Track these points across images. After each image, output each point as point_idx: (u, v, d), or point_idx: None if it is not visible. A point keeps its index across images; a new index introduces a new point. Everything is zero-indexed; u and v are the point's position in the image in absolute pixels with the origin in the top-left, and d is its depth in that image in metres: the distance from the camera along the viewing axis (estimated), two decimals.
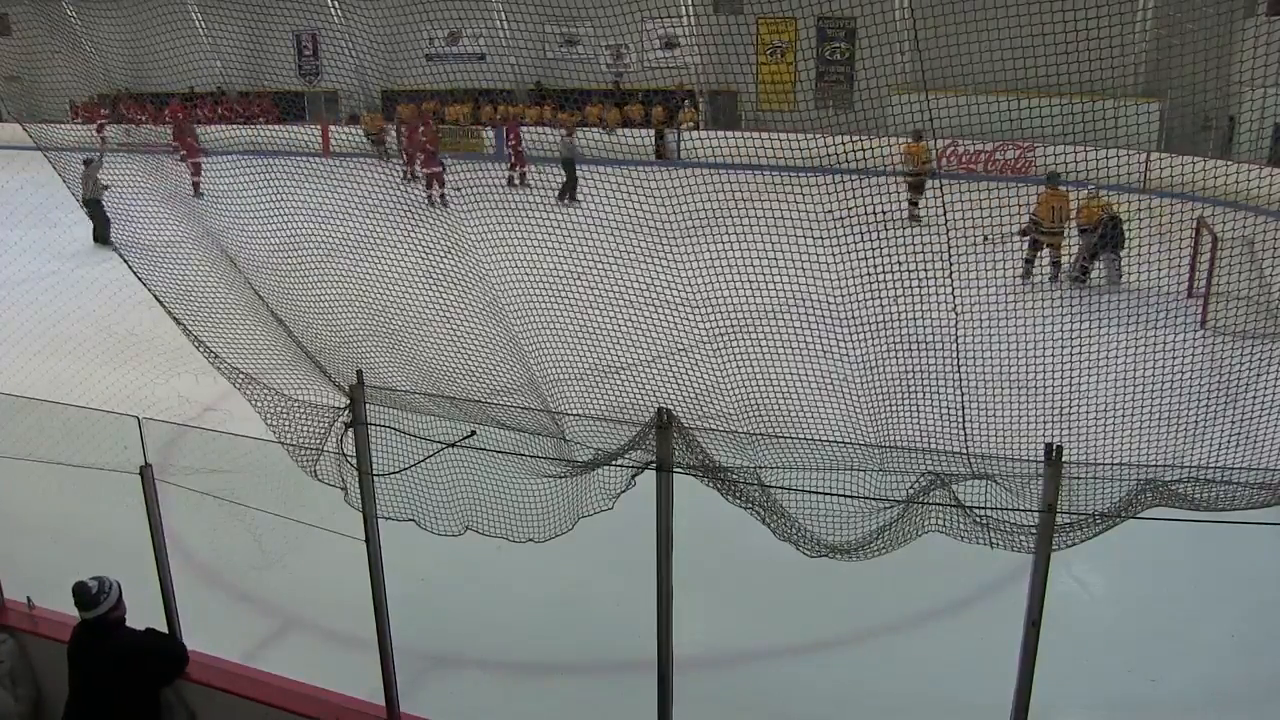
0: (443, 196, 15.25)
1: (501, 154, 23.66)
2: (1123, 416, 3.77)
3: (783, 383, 4.16)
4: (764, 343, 4.26)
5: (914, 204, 14.30)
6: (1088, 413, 3.83)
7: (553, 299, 4.35)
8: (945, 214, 3.55)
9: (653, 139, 24.65)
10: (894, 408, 3.98)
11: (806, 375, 4.13)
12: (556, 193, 16.89)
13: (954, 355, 3.67)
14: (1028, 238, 12.71)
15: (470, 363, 4.36)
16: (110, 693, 4.14)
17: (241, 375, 4.43)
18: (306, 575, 6.08)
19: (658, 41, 26.18)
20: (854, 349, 3.97)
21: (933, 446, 3.66)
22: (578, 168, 17.58)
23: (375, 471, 4.01)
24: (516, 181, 19.42)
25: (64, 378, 7.32)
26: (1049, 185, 13.39)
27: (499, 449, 3.90)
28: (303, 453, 4.31)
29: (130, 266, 4.42)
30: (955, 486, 3.53)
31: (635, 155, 21.84)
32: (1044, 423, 3.76)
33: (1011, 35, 4.27)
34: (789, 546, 3.78)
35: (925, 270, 3.86)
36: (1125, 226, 11.71)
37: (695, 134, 24.41)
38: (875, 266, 4.05)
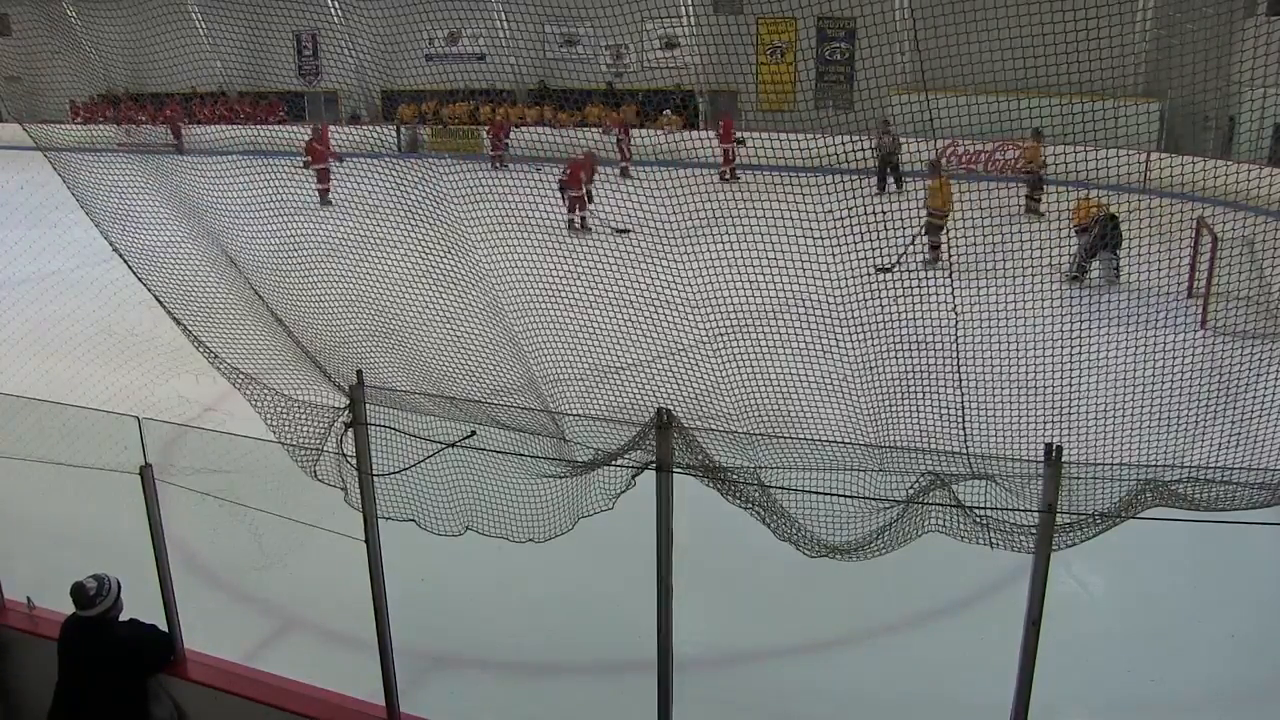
0: (583, 220, 14.94)
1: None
2: (1123, 416, 3.77)
3: (783, 383, 4.16)
4: (764, 343, 4.26)
5: (1035, 199, 15.40)
6: (1088, 413, 3.83)
7: (553, 299, 4.35)
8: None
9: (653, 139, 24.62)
10: (894, 408, 3.98)
11: (806, 375, 4.13)
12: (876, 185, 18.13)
13: (954, 355, 3.67)
14: (927, 226, 13.34)
15: (470, 363, 4.36)
16: (100, 686, 4.15)
17: (241, 375, 4.43)
18: (306, 575, 6.08)
19: (658, 41, 26.17)
20: (854, 349, 3.97)
21: (933, 446, 3.66)
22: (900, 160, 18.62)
23: (375, 471, 4.01)
24: (728, 177, 19.72)
25: (64, 378, 7.32)
26: (934, 173, 14.41)
27: (499, 449, 3.90)
28: (303, 453, 4.31)
29: (130, 267, 4.42)
30: (955, 486, 3.53)
31: (637, 156, 21.80)
32: (1044, 423, 3.76)
33: (1011, 35, 4.27)
34: (789, 546, 3.78)
35: (926, 271, 3.85)
36: (1123, 226, 11.76)
37: (689, 134, 24.30)
38: (875, 266, 4.05)
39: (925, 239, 13.07)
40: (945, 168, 15.72)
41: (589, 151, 16.40)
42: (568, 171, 15.35)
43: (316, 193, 16.05)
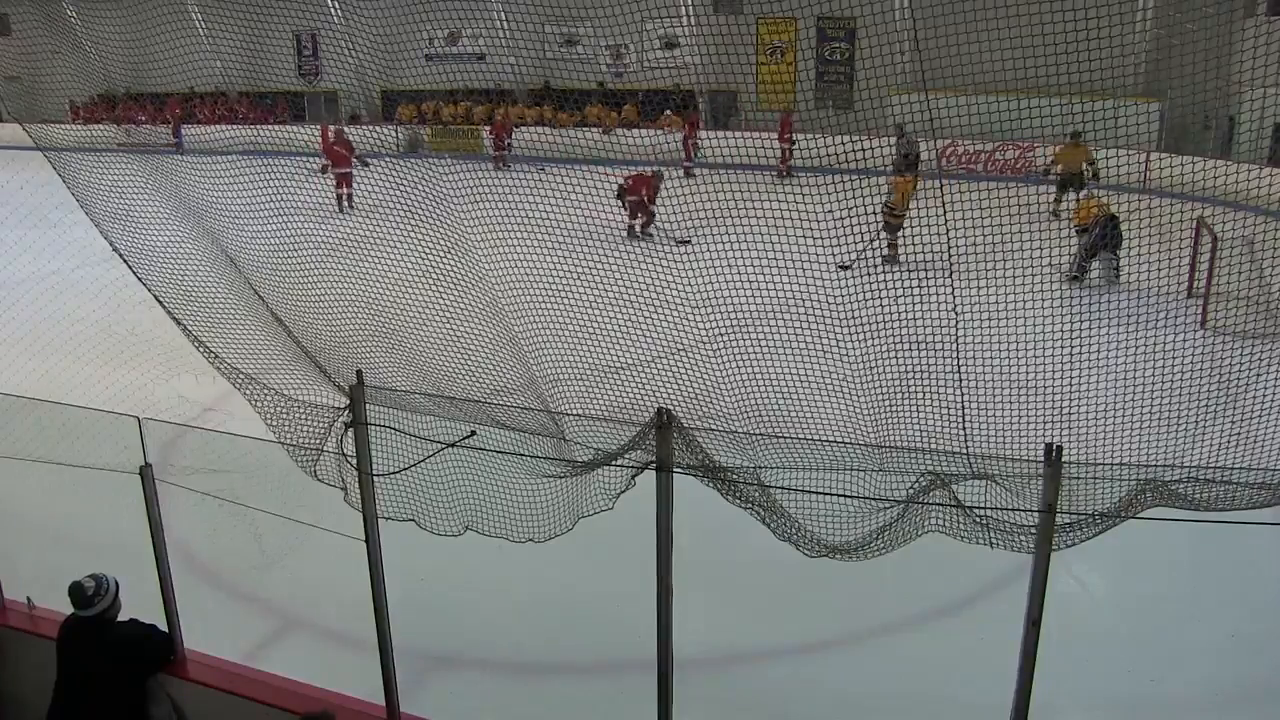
0: (644, 227, 14.79)
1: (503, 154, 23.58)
2: (1123, 416, 3.76)
3: (783, 383, 4.16)
4: (764, 343, 4.26)
5: (1058, 200, 15.65)
6: (1088, 413, 3.83)
7: (553, 299, 4.35)
8: (945, 214, 3.55)
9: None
10: (894, 408, 3.98)
11: (806, 375, 4.13)
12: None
13: (954, 355, 3.67)
14: (886, 223, 13.41)
15: (470, 363, 4.36)
16: (99, 686, 4.14)
17: (241, 375, 4.43)
18: (306, 575, 6.08)
19: (658, 41, 26.17)
20: (854, 349, 3.97)
21: (933, 446, 3.66)
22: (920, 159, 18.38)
23: (375, 471, 4.01)
24: (784, 174, 19.60)
25: (64, 378, 7.32)
26: (899, 171, 14.37)
27: (499, 449, 3.90)
28: (303, 453, 4.31)
29: (130, 267, 4.42)
30: (955, 486, 3.53)
31: (635, 156, 21.82)
32: (1044, 423, 3.75)
33: (1011, 35, 4.26)
34: (789, 546, 3.78)
35: (925, 270, 3.86)
36: (1124, 226, 11.78)
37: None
38: (875, 268, 4.05)
39: (884, 236, 13.17)
40: (945, 167, 15.73)
41: (657, 171, 16.09)
42: (629, 180, 15.08)
43: (335, 198, 15.54)
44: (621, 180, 14.84)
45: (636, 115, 25.64)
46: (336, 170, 16.44)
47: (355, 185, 15.71)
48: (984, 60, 4.65)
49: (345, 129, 19.80)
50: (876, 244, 12.24)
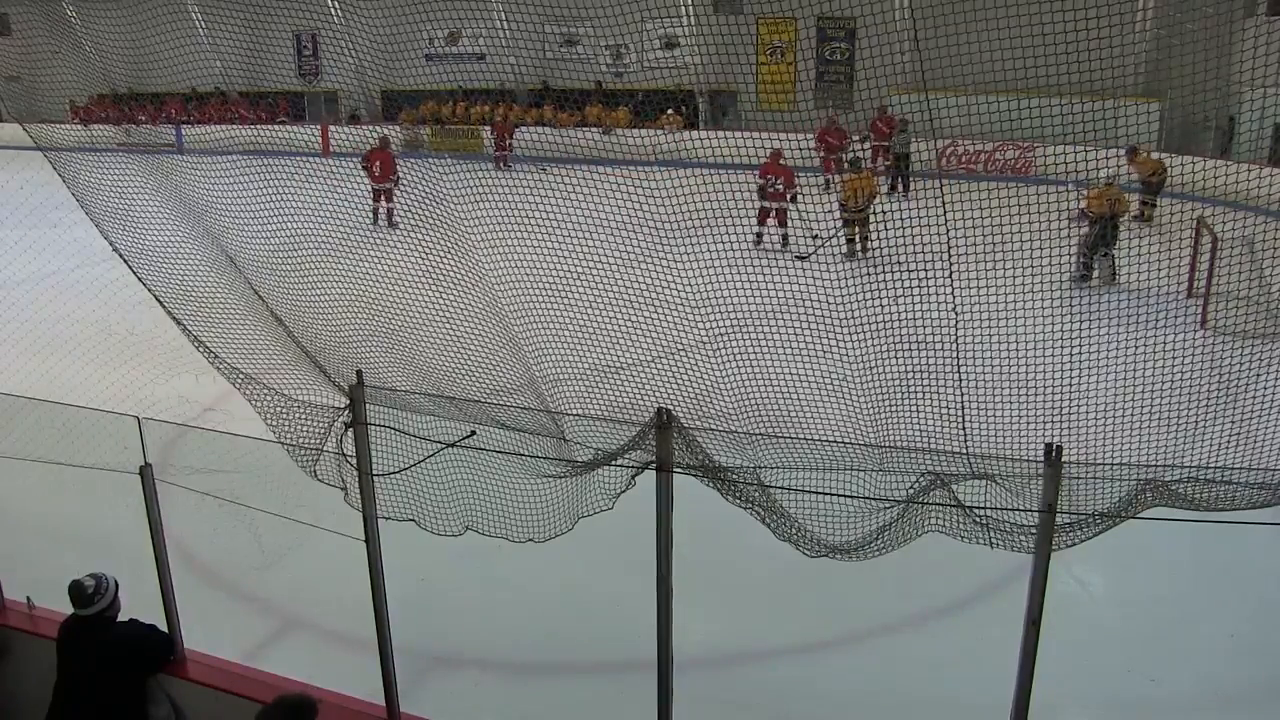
0: (785, 237, 14.11)
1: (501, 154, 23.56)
2: (1123, 416, 3.77)
3: (783, 383, 4.16)
4: (764, 343, 4.26)
5: (1150, 206, 15.23)
6: (1088, 413, 3.83)
7: (553, 299, 4.35)
8: (945, 214, 3.55)
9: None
10: (894, 408, 3.98)
11: (806, 375, 4.13)
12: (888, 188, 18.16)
13: (954, 355, 3.67)
14: (841, 220, 13.44)
15: (470, 363, 4.36)
16: (99, 685, 4.14)
17: (241, 375, 4.43)
18: (306, 575, 6.08)
19: (658, 41, 26.16)
20: (854, 349, 3.97)
21: (933, 446, 3.66)
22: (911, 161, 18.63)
23: (375, 471, 4.01)
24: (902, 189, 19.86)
25: (64, 378, 7.32)
26: (855, 170, 14.40)
27: (499, 449, 3.90)
28: (303, 453, 4.31)
29: (130, 267, 4.42)
30: (955, 486, 3.53)
31: (635, 155, 21.83)
32: (1044, 423, 3.76)
33: (1011, 35, 4.27)
34: (789, 546, 3.78)
35: (925, 270, 3.87)
36: (1122, 226, 11.81)
37: (692, 134, 24.29)
38: (875, 267, 4.05)
39: (843, 231, 13.11)
40: (946, 168, 15.62)
41: (776, 150, 13.86)
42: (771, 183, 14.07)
43: (371, 211, 14.48)
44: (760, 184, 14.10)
45: (628, 116, 25.47)
46: (381, 181, 14.79)
47: (395, 200, 14.21)
48: (984, 60, 4.65)
49: (384, 134, 18.11)
50: (836, 239, 12.35)
